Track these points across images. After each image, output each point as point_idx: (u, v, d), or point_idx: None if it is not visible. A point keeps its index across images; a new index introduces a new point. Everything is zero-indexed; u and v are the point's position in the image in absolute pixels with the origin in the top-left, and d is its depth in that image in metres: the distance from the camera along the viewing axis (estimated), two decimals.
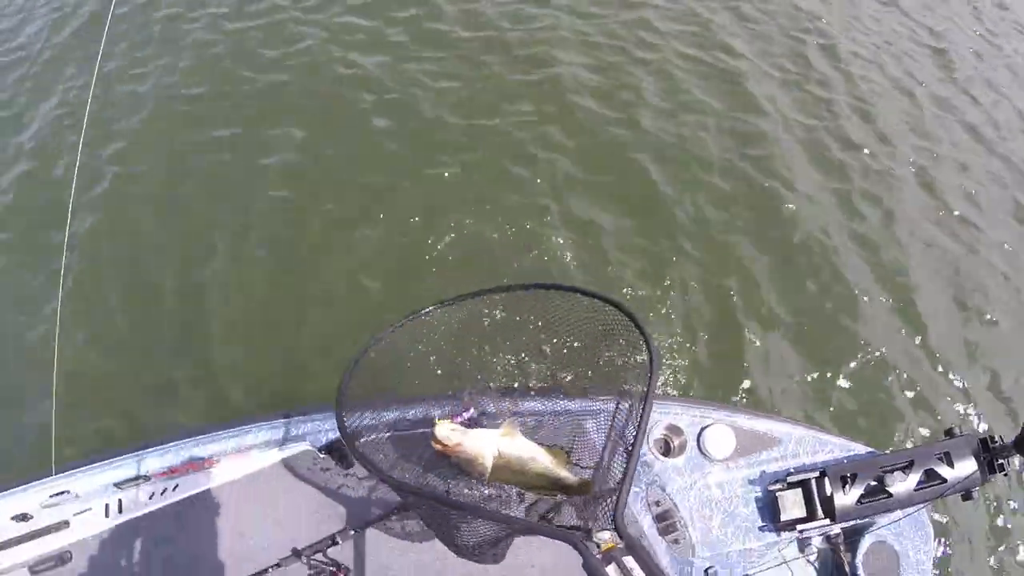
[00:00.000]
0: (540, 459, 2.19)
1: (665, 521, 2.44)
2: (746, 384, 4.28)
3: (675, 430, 2.62)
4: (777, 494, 2.50)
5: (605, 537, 1.45)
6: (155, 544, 2.17)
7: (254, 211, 4.86)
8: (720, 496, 2.53)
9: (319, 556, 2.21)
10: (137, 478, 2.21)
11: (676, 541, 2.43)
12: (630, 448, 1.78)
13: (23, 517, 2.12)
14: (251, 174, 5.10)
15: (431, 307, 2.30)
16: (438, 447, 2.14)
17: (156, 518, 2.20)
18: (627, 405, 2.07)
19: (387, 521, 2.22)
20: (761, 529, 2.52)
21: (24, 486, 2.22)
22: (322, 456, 2.35)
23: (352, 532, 2.20)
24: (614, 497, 1.59)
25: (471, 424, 2.31)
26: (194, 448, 2.30)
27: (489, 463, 2.13)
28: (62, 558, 2.12)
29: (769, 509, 2.54)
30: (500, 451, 2.19)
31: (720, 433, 2.60)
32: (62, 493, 2.15)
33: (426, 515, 2.09)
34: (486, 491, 2.19)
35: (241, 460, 2.31)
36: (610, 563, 1.32)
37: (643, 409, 1.83)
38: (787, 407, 4.19)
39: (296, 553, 2.18)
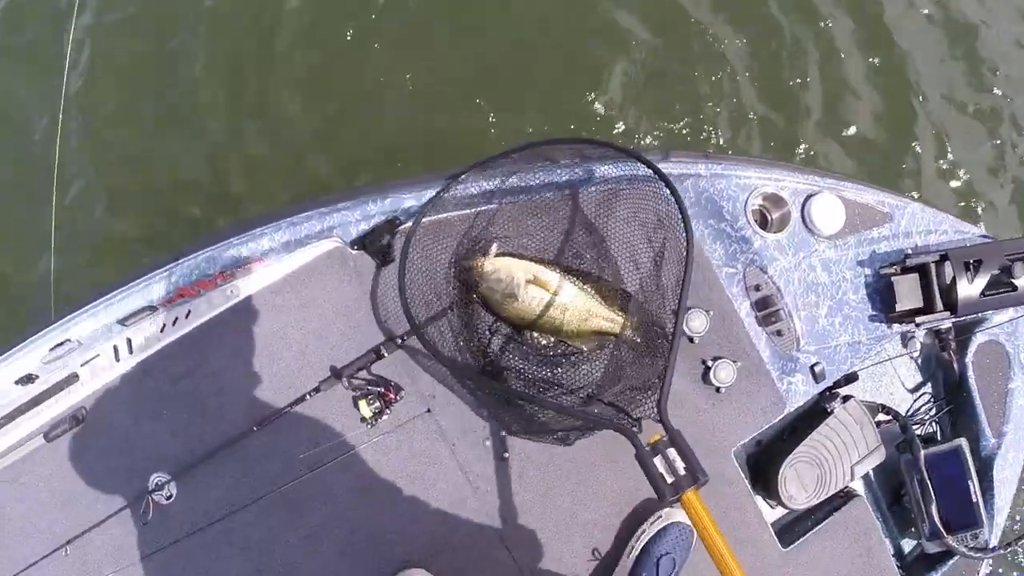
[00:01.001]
0: (575, 289, 1.92)
1: (767, 309, 2.07)
2: (805, 146, 3.70)
3: (775, 201, 2.14)
4: (892, 279, 2.10)
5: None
6: (174, 382, 1.91)
7: None
8: (827, 280, 2.12)
9: (363, 374, 1.94)
10: (143, 310, 1.90)
11: (779, 333, 2.07)
12: (671, 335, 1.61)
13: (28, 379, 1.88)
14: None
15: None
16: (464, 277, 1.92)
17: (172, 352, 1.92)
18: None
19: (438, 322, 1.92)
20: (872, 320, 2.15)
21: (21, 345, 1.94)
22: (354, 252, 1.99)
23: (400, 342, 1.93)
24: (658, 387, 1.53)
25: None
26: (202, 263, 1.96)
27: (522, 281, 1.86)
28: (76, 417, 1.89)
29: (881, 297, 2.13)
30: (535, 275, 1.89)
31: (828, 204, 2.12)
32: (63, 343, 1.88)
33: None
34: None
35: (258, 269, 1.95)
36: (656, 455, 1.35)
37: (684, 278, 1.67)
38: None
39: (336, 374, 1.92)
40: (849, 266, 2.14)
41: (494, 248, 1.96)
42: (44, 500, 1.90)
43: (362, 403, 1.89)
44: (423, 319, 1.88)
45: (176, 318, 1.92)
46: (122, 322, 1.90)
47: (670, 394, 1.53)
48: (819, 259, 2.12)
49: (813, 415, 2.17)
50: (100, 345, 1.91)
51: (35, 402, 1.90)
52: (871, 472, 2.26)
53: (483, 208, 1.99)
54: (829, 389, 2.15)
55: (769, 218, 2.18)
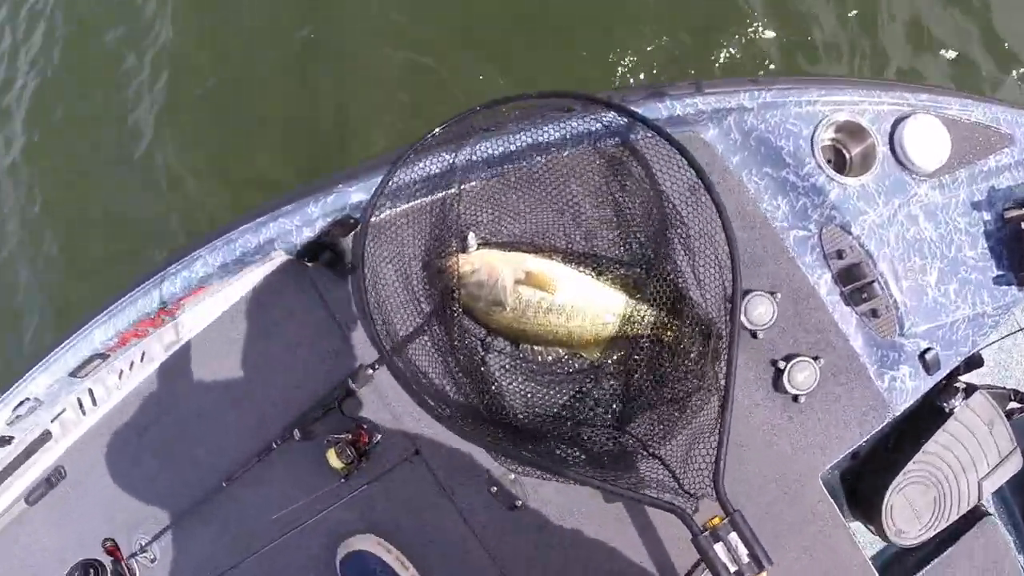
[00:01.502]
0: (584, 282, 1.41)
1: (855, 282, 1.51)
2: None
3: (853, 131, 1.56)
4: (1022, 224, 1.53)
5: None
6: (140, 433, 1.75)
7: None
8: (934, 234, 1.55)
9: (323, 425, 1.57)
10: (92, 359, 1.71)
11: (874, 313, 1.52)
12: (722, 386, 1.17)
13: (3, 441, 1.80)
14: None
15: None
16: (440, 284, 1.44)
17: (134, 400, 1.75)
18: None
19: (418, 340, 1.48)
20: (997, 283, 1.57)
21: None
22: (307, 266, 1.60)
23: (373, 370, 1.55)
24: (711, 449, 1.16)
25: None
26: (139, 301, 1.67)
27: (510, 283, 1.38)
28: (58, 473, 1.81)
29: (1008, 249, 1.56)
30: (526, 270, 1.39)
31: (926, 129, 1.53)
32: (24, 402, 1.76)
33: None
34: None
35: (205, 299, 1.68)
36: (717, 541, 1.08)
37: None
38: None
39: (289, 428, 1.61)
40: (962, 212, 1.57)
41: (471, 239, 1.45)
42: (36, 564, 1.82)
43: (330, 454, 1.51)
44: (399, 338, 1.41)
45: (132, 362, 1.71)
46: (74, 374, 1.71)
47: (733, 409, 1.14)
48: (921, 206, 1.55)
49: (925, 417, 1.62)
50: (64, 399, 1.76)
51: (16, 464, 1.81)
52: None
53: (451, 190, 1.49)
54: (946, 380, 1.60)
55: (847, 156, 1.61)
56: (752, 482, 1.49)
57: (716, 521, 1.08)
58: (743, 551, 1.06)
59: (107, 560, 1.53)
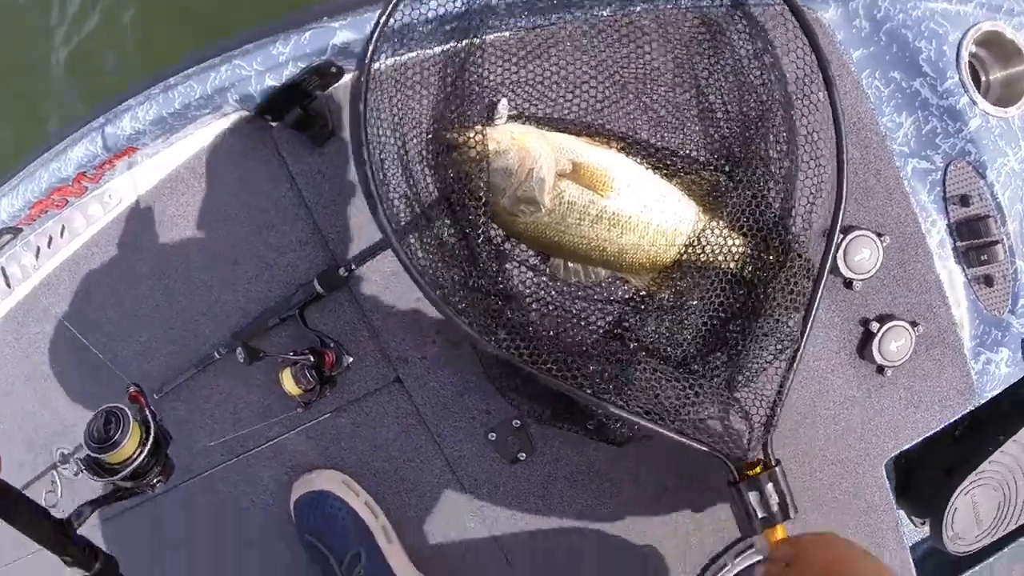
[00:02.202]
0: (652, 184, 1.04)
1: (975, 239, 1.20)
2: None
3: (1002, 47, 1.23)
4: None
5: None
6: (59, 327, 1.40)
7: None
8: None
9: (282, 331, 1.26)
10: (1, 232, 1.40)
11: (987, 280, 1.22)
12: (791, 344, 1.00)
13: None
14: None
15: None
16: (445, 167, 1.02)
17: (52, 284, 1.40)
18: None
19: (426, 233, 1.08)
20: None
21: None
22: (271, 125, 1.21)
23: (349, 270, 1.19)
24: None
25: None
26: (52, 163, 1.29)
27: (550, 176, 0.99)
28: None
29: None
30: (575, 159, 1.01)
31: None
32: None
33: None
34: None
35: (139, 162, 1.30)
36: (753, 490, 1.00)
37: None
38: None
39: (231, 339, 1.28)
40: None
41: (503, 107, 1.05)
42: None
43: (285, 376, 1.18)
44: (400, 221, 1.03)
45: (50, 238, 1.38)
46: None
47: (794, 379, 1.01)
48: None
49: (1008, 411, 1.34)
50: None
51: None
52: None
53: (474, 39, 1.09)
54: None
55: (983, 80, 1.26)
56: (809, 456, 1.22)
57: (758, 470, 1.00)
58: (775, 500, 1.00)
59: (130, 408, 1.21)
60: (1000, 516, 1.35)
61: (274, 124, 1.19)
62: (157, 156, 1.28)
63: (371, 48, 1.01)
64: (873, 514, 1.25)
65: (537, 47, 1.10)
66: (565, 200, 1.01)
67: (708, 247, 1.04)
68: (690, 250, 1.04)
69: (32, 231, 1.40)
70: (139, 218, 1.30)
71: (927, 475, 1.37)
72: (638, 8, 1.11)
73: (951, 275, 1.21)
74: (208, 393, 1.31)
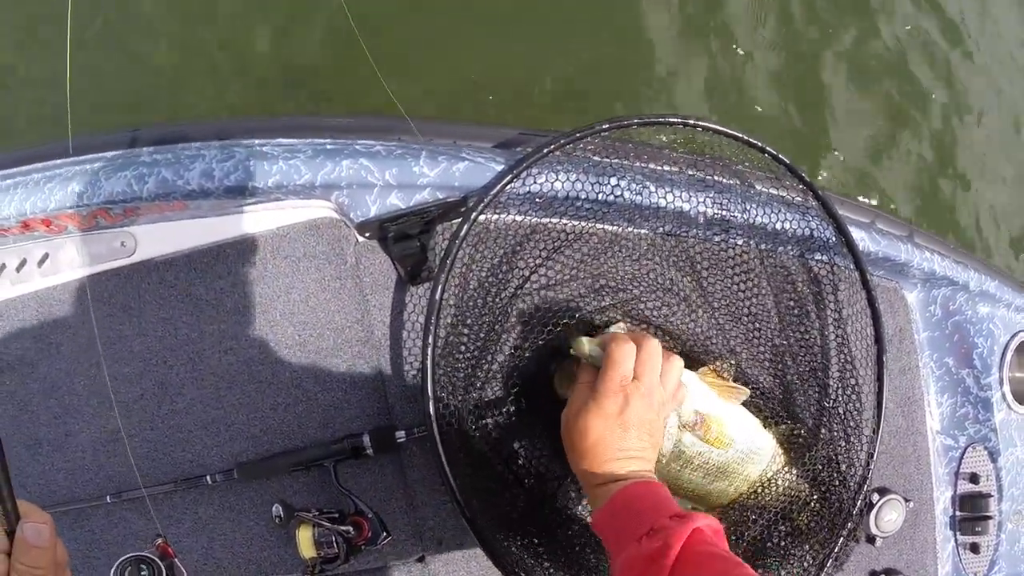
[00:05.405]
0: (757, 437, 1.04)
1: (973, 512, 1.36)
2: None
3: None
4: None
5: None
6: (22, 376, 1.10)
7: None
8: None
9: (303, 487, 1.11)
10: None
11: (974, 548, 1.39)
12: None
13: None
14: None
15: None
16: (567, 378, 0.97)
17: (14, 321, 1.09)
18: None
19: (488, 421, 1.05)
20: None
21: None
22: (361, 239, 1.07)
23: (413, 432, 1.06)
24: None
25: None
26: (75, 181, 1.02)
27: (673, 425, 0.97)
28: None
29: None
30: (703, 412, 0.98)
31: None
32: None
33: None
34: None
35: (179, 218, 1.07)
36: None
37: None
38: None
39: (244, 474, 1.09)
40: None
41: (617, 328, 1.01)
42: None
43: (304, 533, 1.01)
44: (465, 407, 1.00)
45: (24, 260, 1.10)
46: None
47: None
48: None
49: None
50: None
51: None
52: None
53: (567, 222, 1.08)
54: None
55: (1010, 376, 1.45)
56: None
57: None
58: None
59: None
60: None
61: (360, 239, 1.06)
62: (204, 220, 1.07)
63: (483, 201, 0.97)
64: None
65: (659, 255, 1.11)
66: (679, 450, 0.99)
67: (776, 489, 1.13)
68: (760, 489, 1.14)
69: (7, 241, 1.11)
70: (152, 279, 1.07)
71: None
72: (762, 247, 1.19)
73: (944, 538, 1.36)
74: (180, 516, 1.09)
